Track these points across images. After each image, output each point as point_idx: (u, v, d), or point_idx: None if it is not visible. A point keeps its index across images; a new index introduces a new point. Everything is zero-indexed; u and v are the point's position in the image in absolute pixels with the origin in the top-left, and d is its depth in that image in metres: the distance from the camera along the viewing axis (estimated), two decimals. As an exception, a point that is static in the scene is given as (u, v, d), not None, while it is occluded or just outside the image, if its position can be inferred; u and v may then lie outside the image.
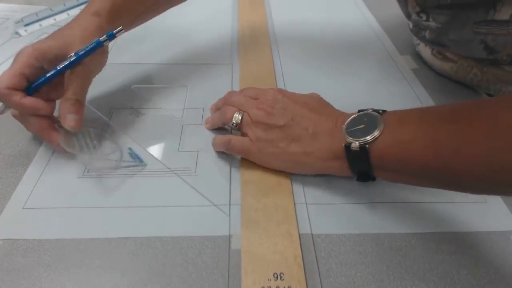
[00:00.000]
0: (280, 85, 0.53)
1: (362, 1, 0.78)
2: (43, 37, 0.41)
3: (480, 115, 0.28)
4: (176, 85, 0.52)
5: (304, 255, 0.32)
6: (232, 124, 0.40)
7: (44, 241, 0.33)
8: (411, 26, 0.56)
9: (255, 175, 0.39)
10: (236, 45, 0.63)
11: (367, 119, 0.34)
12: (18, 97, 0.37)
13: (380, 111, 0.34)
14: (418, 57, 0.60)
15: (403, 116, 0.33)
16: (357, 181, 0.36)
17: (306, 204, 0.37)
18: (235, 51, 0.61)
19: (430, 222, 0.35)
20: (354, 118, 0.35)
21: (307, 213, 0.36)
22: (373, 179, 0.36)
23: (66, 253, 0.32)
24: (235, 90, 0.48)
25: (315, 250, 0.33)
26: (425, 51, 0.57)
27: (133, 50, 0.59)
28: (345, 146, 0.34)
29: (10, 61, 0.38)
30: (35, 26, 0.68)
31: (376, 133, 0.32)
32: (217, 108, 0.46)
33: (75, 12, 0.74)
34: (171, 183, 0.39)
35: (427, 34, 0.52)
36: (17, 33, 0.66)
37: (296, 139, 0.36)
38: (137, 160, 0.41)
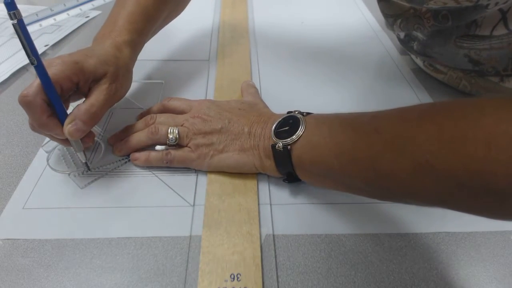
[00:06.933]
0: (256, 83, 0.51)
1: (362, 1, 0.78)
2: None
3: (377, 124, 0.29)
4: (152, 81, 0.53)
5: (264, 256, 0.32)
6: (171, 140, 0.39)
7: (44, 241, 0.33)
8: (401, 36, 0.55)
9: (221, 174, 0.39)
10: (216, 42, 0.63)
11: (292, 121, 0.35)
12: (43, 116, 0.34)
13: (304, 113, 0.36)
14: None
15: (321, 119, 0.34)
16: (284, 181, 0.38)
17: (271, 204, 0.37)
18: (214, 48, 0.61)
19: (430, 222, 0.35)
20: (282, 119, 0.36)
21: (271, 213, 0.36)
22: (300, 179, 0.36)
23: (66, 253, 0.32)
24: (154, 110, 0.44)
25: (275, 250, 0.33)
26: (418, 61, 0.57)
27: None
28: (271, 146, 0.35)
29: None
30: (35, 26, 0.67)
31: (296, 135, 0.33)
32: (118, 139, 0.42)
33: (75, 12, 0.74)
34: (170, 183, 0.38)
35: (415, 45, 0.53)
36: (17, 33, 0.66)
37: (234, 138, 0.38)
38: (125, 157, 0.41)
